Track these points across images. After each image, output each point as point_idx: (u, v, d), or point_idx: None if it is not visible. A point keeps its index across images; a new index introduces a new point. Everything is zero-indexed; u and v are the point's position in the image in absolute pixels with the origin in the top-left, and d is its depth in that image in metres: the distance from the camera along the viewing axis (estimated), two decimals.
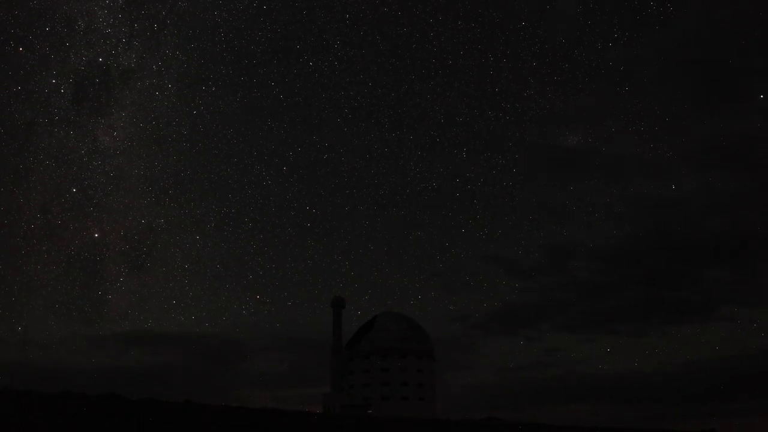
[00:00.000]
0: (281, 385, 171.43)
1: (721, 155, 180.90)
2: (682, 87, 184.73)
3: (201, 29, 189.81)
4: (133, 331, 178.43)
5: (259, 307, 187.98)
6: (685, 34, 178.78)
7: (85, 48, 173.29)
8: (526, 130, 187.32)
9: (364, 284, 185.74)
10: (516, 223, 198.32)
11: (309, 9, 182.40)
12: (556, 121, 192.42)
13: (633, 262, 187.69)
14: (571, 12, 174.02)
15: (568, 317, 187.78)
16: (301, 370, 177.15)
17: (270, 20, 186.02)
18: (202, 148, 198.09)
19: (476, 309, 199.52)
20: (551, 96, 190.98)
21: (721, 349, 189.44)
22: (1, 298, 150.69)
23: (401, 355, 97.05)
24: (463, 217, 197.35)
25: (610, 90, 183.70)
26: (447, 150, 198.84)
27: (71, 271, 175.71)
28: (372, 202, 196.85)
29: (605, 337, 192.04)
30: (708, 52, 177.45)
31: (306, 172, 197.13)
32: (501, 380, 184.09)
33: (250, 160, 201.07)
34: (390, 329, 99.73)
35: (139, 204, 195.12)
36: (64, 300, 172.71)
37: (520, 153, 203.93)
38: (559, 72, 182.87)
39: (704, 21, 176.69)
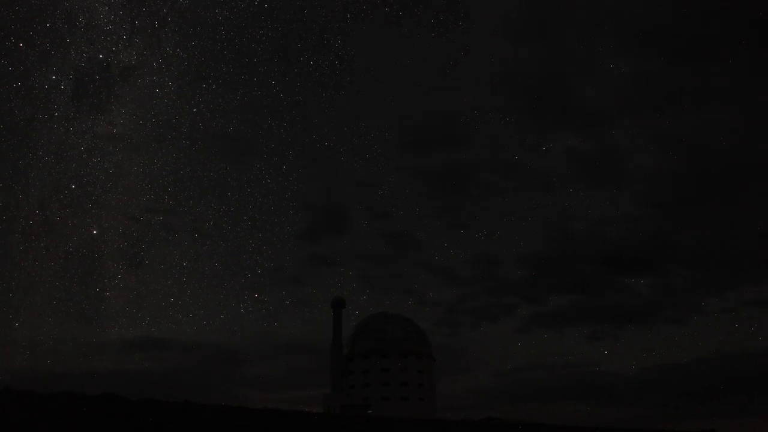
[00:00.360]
0: (280, 386, 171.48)
1: (589, 170, 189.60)
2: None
3: (202, 27, 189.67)
4: (130, 329, 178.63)
5: (257, 306, 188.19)
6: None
7: (85, 44, 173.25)
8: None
9: (364, 284, 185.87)
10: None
11: (310, 8, 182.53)
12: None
13: (556, 270, 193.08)
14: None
15: (522, 321, 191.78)
16: (301, 371, 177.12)
17: (271, 19, 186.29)
18: (202, 145, 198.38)
19: (472, 309, 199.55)
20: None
21: (686, 352, 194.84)
22: None
23: (401, 356, 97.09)
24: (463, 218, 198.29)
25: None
26: (446, 150, 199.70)
27: (69, 268, 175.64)
28: (371, 202, 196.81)
29: (573, 337, 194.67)
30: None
31: (305, 171, 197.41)
32: (499, 381, 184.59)
33: (249, 158, 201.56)
34: (390, 330, 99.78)
35: (138, 201, 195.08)
36: (62, 297, 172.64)
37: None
38: None
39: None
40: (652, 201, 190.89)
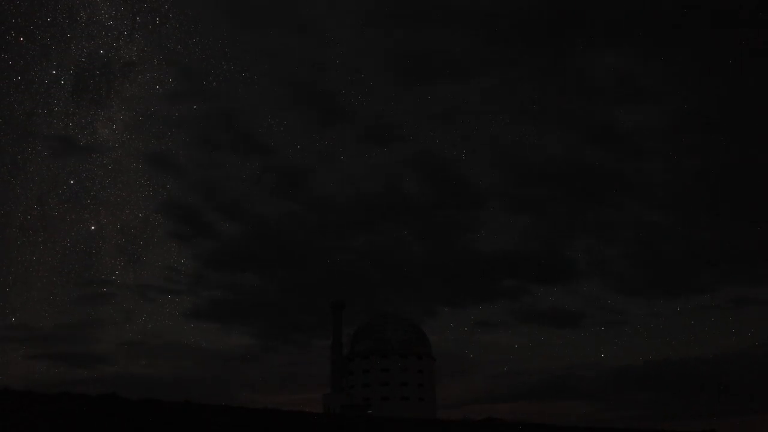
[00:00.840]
0: (280, 388, 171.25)
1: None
2: None
3: (202, 23, 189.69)
4: (126, 325, 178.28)
5: (256, 305, 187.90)
6: None
7: (86, 40, 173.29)
8: None
9: (364, 286, 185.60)
10: None
11: (310, 6, 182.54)
12: None
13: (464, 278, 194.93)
14: None
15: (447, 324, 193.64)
16: (301, 373, 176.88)
17: (272, 16, 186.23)
18: (202, 142, 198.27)
19: (471, 311, 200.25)
20: None
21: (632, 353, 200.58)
22: None
23: (401, 356, 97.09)
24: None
25: None
26: (446, 151, 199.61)
27: (66, 263, 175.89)
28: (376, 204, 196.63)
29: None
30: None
31: (305, 171, 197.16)
32: (498, 381, 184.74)
33: (249, 156, 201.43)
34: (390, 330, 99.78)
35: (137, 197, 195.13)
36: (59, 292, 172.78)
37: None
38: None
39: None
40: (520, 210, 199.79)
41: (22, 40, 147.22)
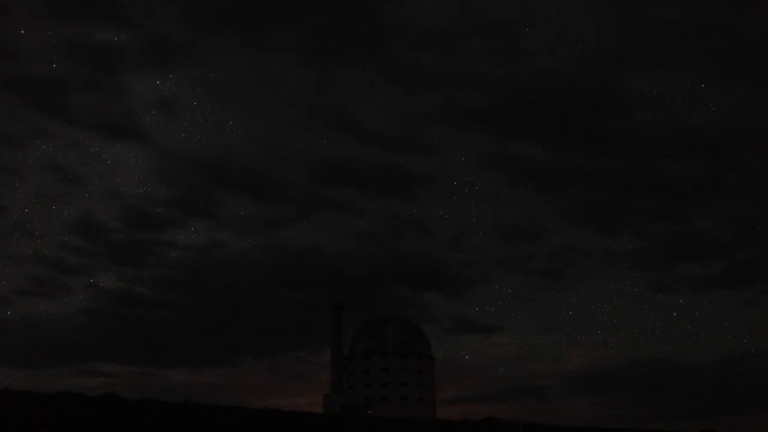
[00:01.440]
0: (280, 389, 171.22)
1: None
2: None
3: (205, 17, 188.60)
4: (127, 323, 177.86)
5: (257, 306, 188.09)
6: None
7: (87, 34, 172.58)
8: None
9: (364, 286, 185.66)
10: None
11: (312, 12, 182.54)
12: None
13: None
14: None
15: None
16: (301, 374, 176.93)
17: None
18: (204, 139, 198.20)
19: (470, 311, 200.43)
20: None
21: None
22: None
23: (401, 356, 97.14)
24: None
25: None
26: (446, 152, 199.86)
27: (64, 258, 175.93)
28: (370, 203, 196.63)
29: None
30: None
31: (306, 172, 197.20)
32: (497, 380, 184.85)
33: (250, 154, 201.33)
34: (390, 330, 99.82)
35: (136, 193, 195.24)
36: (57, 287, 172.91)
37: None
38: None
39: None
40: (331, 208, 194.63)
41: (23, 33, 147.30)
